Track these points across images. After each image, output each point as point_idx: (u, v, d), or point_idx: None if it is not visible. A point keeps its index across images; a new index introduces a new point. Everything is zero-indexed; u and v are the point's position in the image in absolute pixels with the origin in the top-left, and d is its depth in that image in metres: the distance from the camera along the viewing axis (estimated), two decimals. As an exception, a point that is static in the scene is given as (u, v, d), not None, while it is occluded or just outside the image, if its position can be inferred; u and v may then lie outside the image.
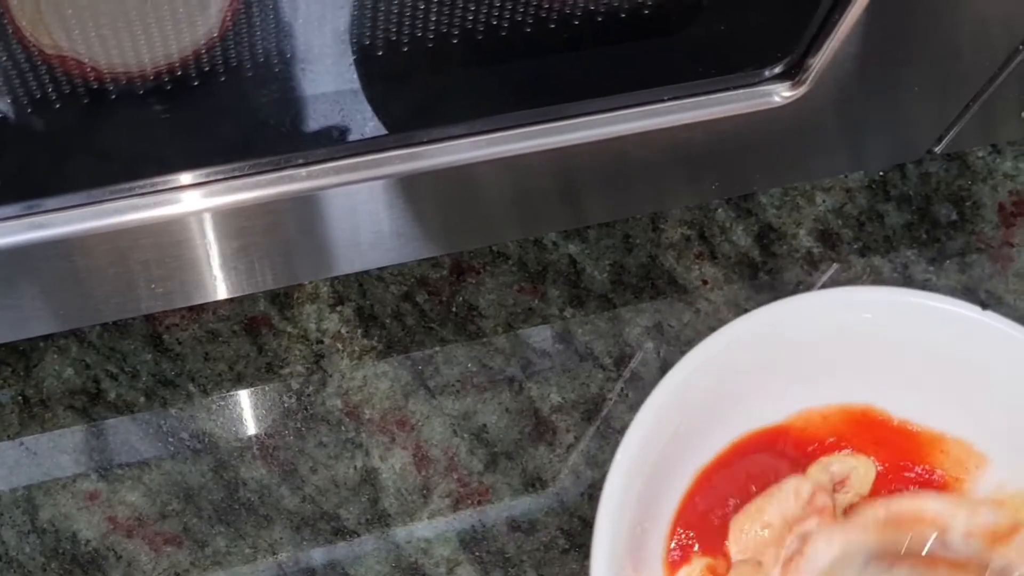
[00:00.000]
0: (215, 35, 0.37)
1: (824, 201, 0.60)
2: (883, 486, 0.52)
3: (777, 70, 0.46)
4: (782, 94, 0.46)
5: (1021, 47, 0.47)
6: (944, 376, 0.51)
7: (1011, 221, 0.61)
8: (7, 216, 0.41)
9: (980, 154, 0.61)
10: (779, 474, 0.51)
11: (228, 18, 0.37)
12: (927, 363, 0.51)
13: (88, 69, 0.37)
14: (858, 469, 0.51)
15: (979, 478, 0.51)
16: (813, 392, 0.52)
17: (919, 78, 0.48)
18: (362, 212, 0.47)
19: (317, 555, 0.51)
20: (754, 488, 0.51)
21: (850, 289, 0.55)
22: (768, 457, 0.51)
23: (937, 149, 0.55)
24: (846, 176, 0.60)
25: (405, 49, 0.40)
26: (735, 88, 0.46)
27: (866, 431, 0.52)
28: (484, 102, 0.44)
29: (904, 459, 0.52)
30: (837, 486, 0.51)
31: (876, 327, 0.51)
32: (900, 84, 0.48)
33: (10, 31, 0.35)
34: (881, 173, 0.61)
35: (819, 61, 0.45)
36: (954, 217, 0.60)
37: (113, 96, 0.38)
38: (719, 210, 0.59)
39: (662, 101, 0.45)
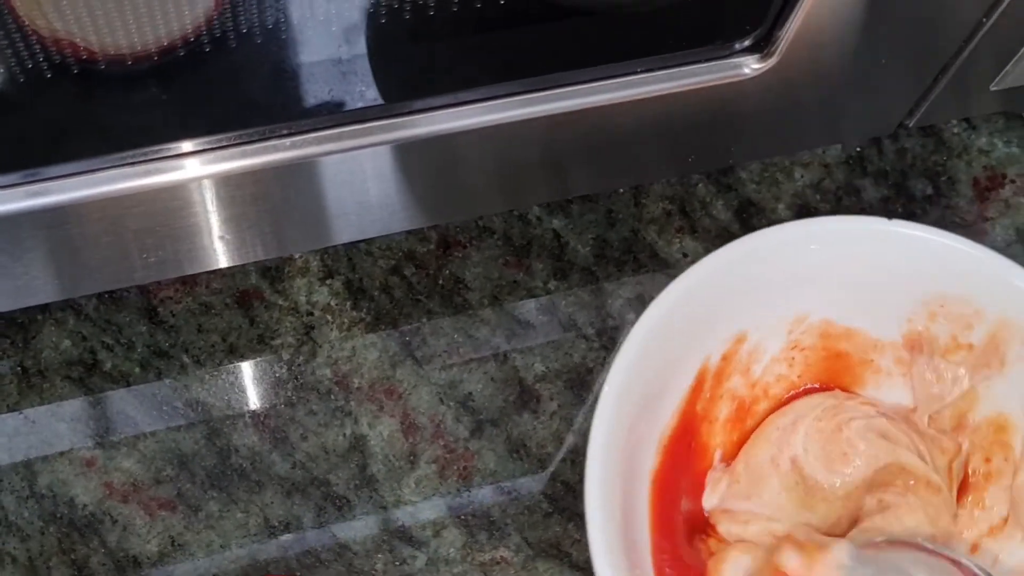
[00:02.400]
0: (212, 10, 0.38)
1: (802, 176, 0.61)
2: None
3: (746, 43, 0.47)
4: (752, 66, 0.48)
5: (985, 19, 0.49)
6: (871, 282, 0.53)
7: (985, 196, 0.62)
8: (4, 184, 0.42)
9: (955, 130, 0.63)
10: None
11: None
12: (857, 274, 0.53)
13: (83, 51, 0.38)
14: None
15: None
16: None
17: (887, 49, 0.49)
18: (349, 182, 0.48)
19: (307, 519, 0.53)
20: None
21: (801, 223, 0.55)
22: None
23: (910, 123, 0.56)
24: (824, 152, 0.62)
25: (387, 20, 0.41)
26: (706, 61, 0.47)
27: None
28: (467, 73, 0.46)
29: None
30: None
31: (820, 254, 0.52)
32: (869, 56, 0.49)
33: (6, 12, 0.36)
34: (858, 149, 0.62)
35: (787, 33, 0.46)
36: (930, 192, 0.62)
37: (109, 72, 0.39)
38: (699, 185, 0.61)
39: (636, 73, 0.47)
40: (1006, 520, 0.51)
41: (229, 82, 0.43)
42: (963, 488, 0.52)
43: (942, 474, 0.51)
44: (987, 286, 0.51)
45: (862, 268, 0.52)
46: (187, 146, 0.44)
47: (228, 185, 0.45)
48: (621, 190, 0.60)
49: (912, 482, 0.50)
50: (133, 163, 0.43)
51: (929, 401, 0.53)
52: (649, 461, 0.50)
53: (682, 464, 0.51)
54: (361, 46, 0.43)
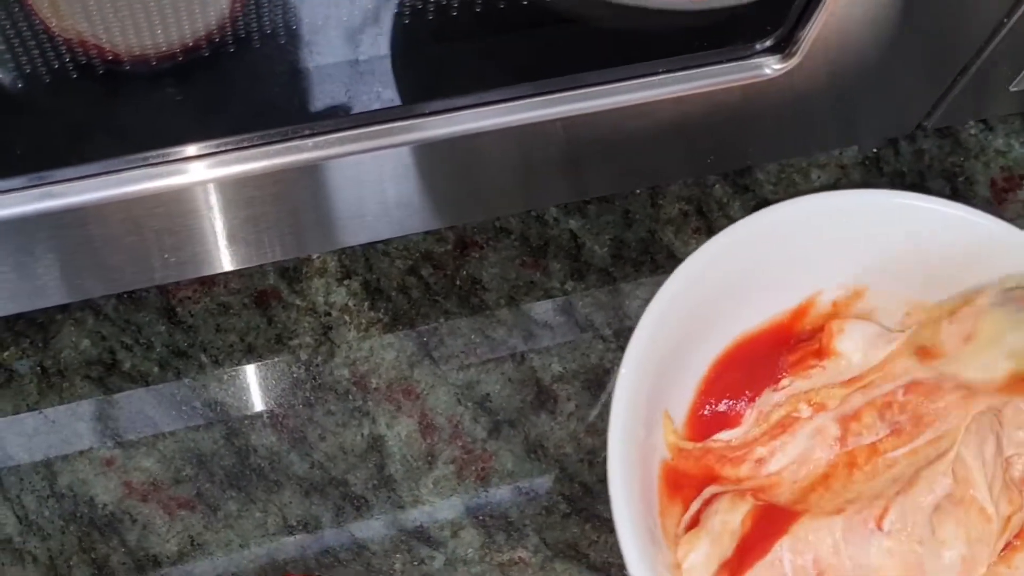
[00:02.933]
0: (227, 14, 0.39)
1: (819, 177, 0.61)
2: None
3: (767, 43, 0.47)
4: (773, 67, 0.48)
5: (1006, 20, 0.49)
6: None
7: (1003, 196, 0.62)
8: (26, 185, 0.43)
9: (972, 131, 0.63)
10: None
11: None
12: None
13: (105, 51, 0.39)
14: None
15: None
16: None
17: (908, 50, 0.49)
18: (368, 183, 0.48)
19: (325, 519, 0.53)
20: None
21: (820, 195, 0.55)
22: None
23: (928, 124, 0.56)
24: (840, 153, 0.62)
25: (408, 22, 0.41)
26: (727, 61, 0.47)
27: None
28: (486, 74, 0.46)
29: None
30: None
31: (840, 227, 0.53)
32: (889, 57, 0.49)
33: (31, 13, 0.36)
34: (875, 150, 0.62)
35: (808, 34, 0.46)
36: (947, 193, 0.62)
37: (128, 74, 0.40)
38: (716, 186, 0.61)
39: (656, 73, 0.47)
40: None
41: (250, 83, 0.43)
42: (1007, 546, 0.50)
43: (999, 513, 0.49)
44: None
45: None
46: (209, 147, 0.44)
47: (249, 186, 0.46)
48: (638, 191, 0.60)
49: (969, 493, 0.48)
50: (155, 164, 0.43)
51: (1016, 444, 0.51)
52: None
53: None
54: (381, 47, 0.43)
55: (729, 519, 0.49)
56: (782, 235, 0.52)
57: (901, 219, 0.52)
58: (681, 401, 0.52)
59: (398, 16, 0.41)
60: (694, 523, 0.50)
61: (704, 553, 0.49)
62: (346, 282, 0.57)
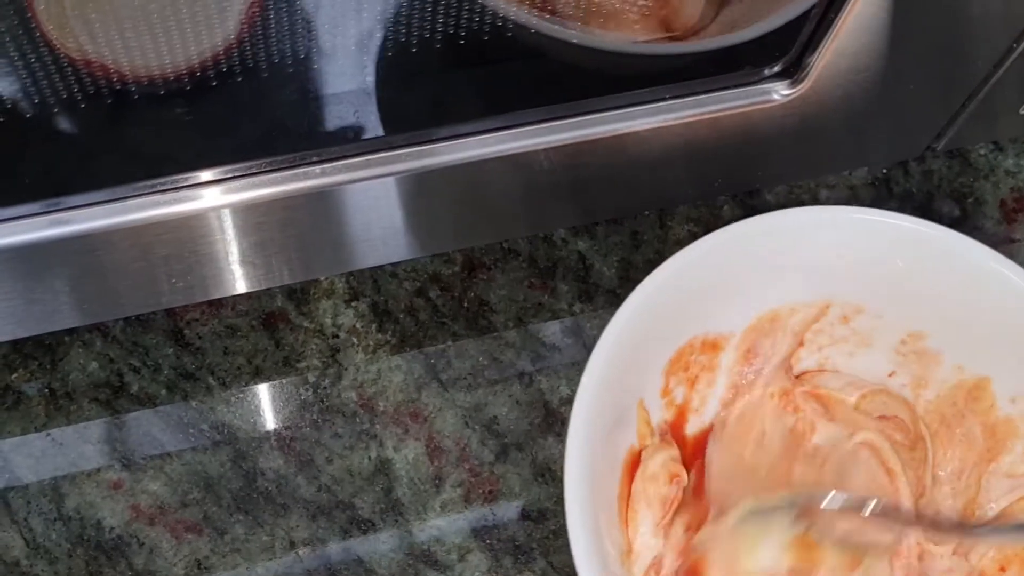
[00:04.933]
0: (233, 38, 0.39)
1: (828, 198, 0.61)
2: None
3: (776, 69, 0.47)
4: (781, 92, 0.48)
5: (1016, 45, 0.49)
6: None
7: (1013, 217, 0.62)
8: (35, 212, 0.43)
9: (982, 151, 0.63)
10: None
11: (247, 22, 0.38)
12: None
13: (113, 72, 0.39)
14: None
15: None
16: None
17: (917, 75, 0.49)
18: (375, 208, 0.48)
19: (333, 543, 0.53)
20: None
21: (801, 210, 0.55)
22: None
23: (938, 146, 0.56)
24: (850, 174, 0.62)
25: (415, 50, 0.41)
26: (735, 87, 0.47)
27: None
28: (493, 101, 0.46)
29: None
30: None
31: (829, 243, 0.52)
32: (898, 81, 0.49)
33: (37, 36, 0.36)
34: (884, 171, 0.62)
35: (817, 60, 0.46)
36: (957, 213, 0.62)
37: (136, 97, 0.40)
38: (725, 207, 0.61)
39: (664, 99, 0.47)
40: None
41: (258, 110, 0.43)
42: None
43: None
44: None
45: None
46: (218, 173, 0.44)
47: (258, 212, 0.46)
48: (647, 212, 0.60)
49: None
50: (163, 191, 0.44)
51: None
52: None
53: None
54: (387, 74, 0.43)
55: (657, 471, 0.49)
56: (746, 249, 0.52)
57: (866, 235, 0.52)
58: (653, 389, 0.52)
59: (404, 44, 0.41)
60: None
61: (648, 522, 0.49)
62: (354, 304, 0.57)
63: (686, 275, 0.50)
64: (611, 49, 0.44)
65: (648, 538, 0.49)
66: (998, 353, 0.51)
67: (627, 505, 0.50)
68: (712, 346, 0.52)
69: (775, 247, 0.51)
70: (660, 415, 0.52)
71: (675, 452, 0.51)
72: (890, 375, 0.54)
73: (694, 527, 0.50)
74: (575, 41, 0.43)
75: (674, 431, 0.52)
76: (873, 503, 0.47)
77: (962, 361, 0.52)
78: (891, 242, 0.51)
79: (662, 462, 0.50)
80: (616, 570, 0.46)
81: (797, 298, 0.53)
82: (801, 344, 0.54)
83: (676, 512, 0.50)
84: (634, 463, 0.50)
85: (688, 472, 0.51)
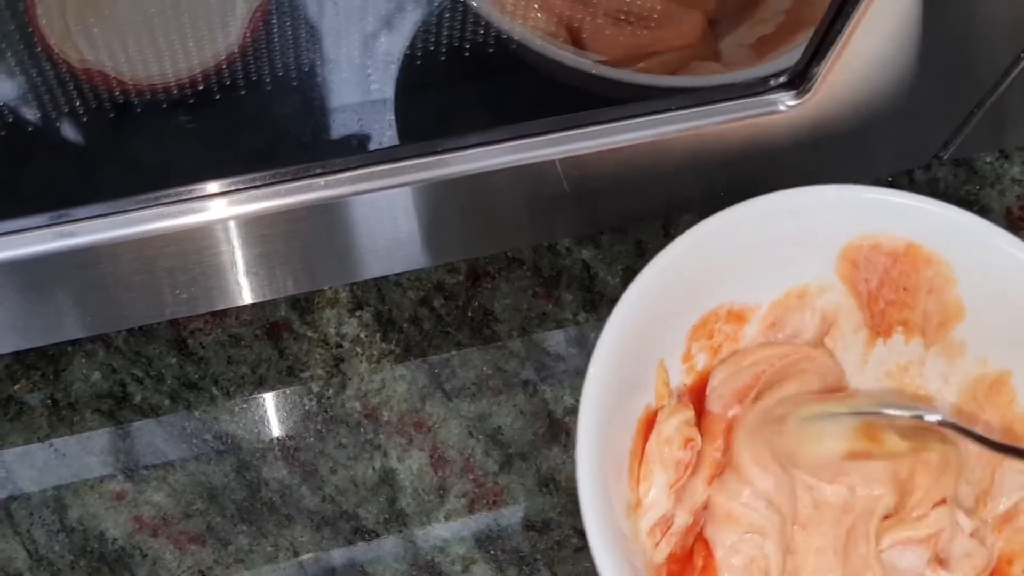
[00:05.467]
0: (236, 49, 0.39)
1: (833, 206, 0.61)
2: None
3: (782, 79, 0.47)
4: (787, 103, 0.47)
5: (1023, 55, 0.48)
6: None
7: (1018, 225, 0.61)
8: (38, 225, 0.42)
9: (988, 159, 0.62)
10: None
11: (250, 31, 0.38)
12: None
13: (114, 82, 0.38)
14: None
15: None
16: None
17: (925, 84, 0.49)
18: (380, 220, 0.48)
19: (337, 553, 0.53)
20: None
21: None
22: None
23: (944, 155, 0.56)
24: (855, 181, 0.61)
25: (420, 63, 0.41)
26: (741, 97, 0.47)
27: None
28: (499, 112, 0.45)
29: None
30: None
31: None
32: (905, 91, 0.49)
33: (39, 47, 0.36)
34: (889, 179, 0.62)
35: (823, 70, 0.46)
36: (962, 221, 0.61)
37: (139, 109, 0.40)
38: (730, 216, 0.60)
39: (670, 110, 0.47)
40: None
41: (262, 122, 0.42)
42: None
43: None
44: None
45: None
46: (223, 185, 0.44)
47: (262, 223, 0.45)
48: (651, 221, 0.60)
49: None
50: (168, 203, 0.43)
51: None
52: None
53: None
54: (393, 86, 0.42)
55: (672, 435, 0.49)
56: (763, 227, 0.51)
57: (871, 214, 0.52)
58: (675, 352, 0.52)
59: (410, 56, 0.41)
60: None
61: (661, 482, 0.49)
62: (358, 313, 0.57)
63: (715, 243, 0.50)
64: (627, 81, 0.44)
65: (660, 497, 0.49)
66: (1021, 347, 0.51)
67: (640, 463, 0.49)
68: (738, 317, 0.52)
69: (808, 224, 0.51)
70: (680, 379, 0.52)
71: (690, 415, 0.50)
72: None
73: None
74: (593, 72, 0.43)
75: (692, 395, 0.52)
76: (938, 416, 0.48)
77: (987, 355, 0.52)
78: (921, 225, 0.51)
79: (677, 425, 0.49)
80: (621, 522, 0.46)
81: (826, 275, 0.52)
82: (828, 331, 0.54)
83: (693, 473, 0.50)
84: (649, 422, 0.50)
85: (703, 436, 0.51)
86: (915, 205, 0.51)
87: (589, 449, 0.45)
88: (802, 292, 0.53)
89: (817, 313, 0.53)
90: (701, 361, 0.52)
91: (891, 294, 0.53)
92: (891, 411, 0.49)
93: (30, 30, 0.35)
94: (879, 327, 0.53)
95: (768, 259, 0.51)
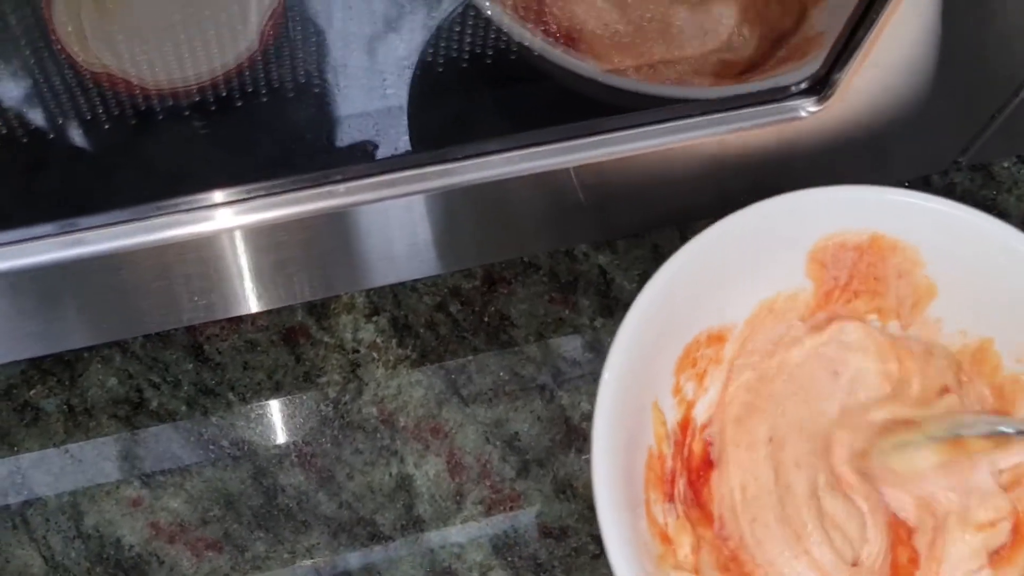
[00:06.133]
0: (255, 50, 0.38)
1: (850, 211, 0.61)
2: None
3: (803, 85, 0.47)
4: (808, 109, 0.47)
5: (1044, 61, 0.48)
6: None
7: (1036, 230, 0.61)
8: (58, 232, 0.42)
9: (1005, 164, 0.62)
10: None
11: (267, 35, 0.38)
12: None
13: (130, 85, 0.38)
14: None
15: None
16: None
17: (945, 91, 0.49)
18: (397, 226, 0.48)
19: (353, 560, 0.53)
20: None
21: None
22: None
23: (963, 160, 0.55)
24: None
25: (441, 69, 0.41)
26: (762, 104, 0.47)
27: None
28: (518, 119, 0.45)
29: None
30: None
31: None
32: (925, 98, 0.49)
33: (56, 48, 0.36)
34: (906, 184, 0.61)
35: (845, 76, 0.46)
36: (980, 226, 0.61)
37: (159, 116, 0.39)
38: (746, 221, 0.60)
39: (691, 117, 0.46)
40: None
41: (281, 130, 0.42)
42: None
43: None
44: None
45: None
46: (243, 193, 0.44)
47: (279, 231, 0.45)
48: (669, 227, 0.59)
49: None
50: (188, 210, 0.43)
51: None
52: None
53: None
54: (411, 93, 0.42)
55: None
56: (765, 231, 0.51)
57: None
58: (665, 388, 0.52)
59: (431, 64, 0.41)
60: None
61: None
62: (374, 319, 0.57)
63: (688, 273, 0.50)
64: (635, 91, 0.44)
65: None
66: (999, 314, 0.51)
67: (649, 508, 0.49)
68: (717, 338, 0.52)
69: (774, 235, 0.51)
70: (673, 415, 0.51)
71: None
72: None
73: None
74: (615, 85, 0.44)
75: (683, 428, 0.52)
76: (1017, 427, 0.48)
77: (965, 327, 0.52)
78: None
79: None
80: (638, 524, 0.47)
81: (796, 281, 0.53)
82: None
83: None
84: (652, 466, 0.50)
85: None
86: (873, 198, 0.51)
87: (605, 458, 0.45)
88: (771, 305, 0.53)
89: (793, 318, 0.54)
90: (690, 391, 0.52)
91: (861, 285, 0.53)
92: (966, 432, 0.49)
93: (51, 38, 0.35)
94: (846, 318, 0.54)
95: (740, 277, 0.52)
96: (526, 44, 0.41)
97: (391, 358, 0.56)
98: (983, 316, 0.52)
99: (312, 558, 0.53)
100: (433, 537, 0.53)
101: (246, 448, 0.54)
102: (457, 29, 0.40)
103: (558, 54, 0.42)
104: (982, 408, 0.52)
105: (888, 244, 0.52)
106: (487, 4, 0.39)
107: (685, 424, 0.52)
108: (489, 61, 0.41)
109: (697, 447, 0.52)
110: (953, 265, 0.52)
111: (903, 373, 0.52)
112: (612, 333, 0.57)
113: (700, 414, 0.53)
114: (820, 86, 0.46)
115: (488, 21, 0.40)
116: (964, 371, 0.53)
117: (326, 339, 0.56)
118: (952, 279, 0.52)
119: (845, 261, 0.53)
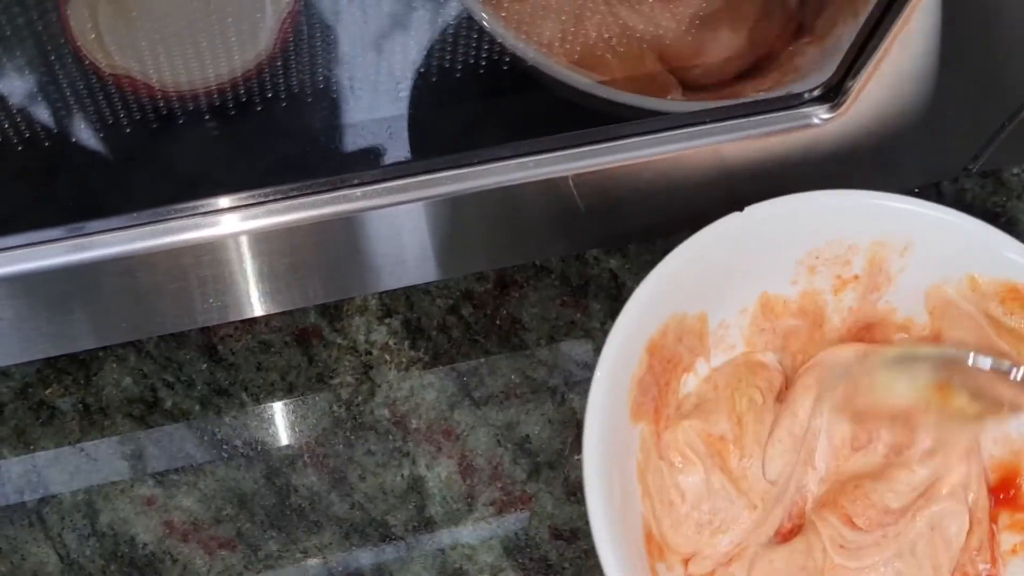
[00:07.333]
0: (273, 50, 0.39)
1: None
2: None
3: (816, 92, 0.47)
4: (821, 116, 0.48)
5: (1056, 69, 0.48)
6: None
7: (1046, 237, 0.61)
8: (75, 234, 0.43)
9: (1015, 171, 0.62)
10: None
11: (280, 38, 0.38)
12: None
13: (145, 87, 0.39)
14: None
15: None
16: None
17: (958, 98, 0.49)
18: (410, 231, 0.48)
19: (365, 560, 0.53)
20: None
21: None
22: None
23: (974, 167, 0.56)
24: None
25: (458, 75, 0.41)
26: (775, 111, 0.47)
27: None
28: (530, 125, 0.46)
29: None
30: None
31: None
32: (938, 105, 0.49)
33: (71, 50, 0.36)
34: (916, 190, 0.62)
35: (857, 84, 0.46)
36: (990, 233, 0.61)
37: (174, 120, 0.40)
38: (757, 226, 0.60)
39: (703, 123, 0.47)
40: None
41: (298, 134, 0.43)
42: None
43: None
44: (854, 220, 0.52)
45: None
46: (258, 196, 0.44)
47: (294, 234, 0.46)
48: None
49: None
50: (205, 213, 0.44)
51: None
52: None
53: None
54: (427, 98, 0.43)
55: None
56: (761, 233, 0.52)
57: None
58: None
59: (448, 70, 0.41)
60: None
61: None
62: (387, 321, 0.57)
63: (685, 271, 0.51)
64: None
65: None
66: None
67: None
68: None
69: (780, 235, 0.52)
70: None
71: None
72: None
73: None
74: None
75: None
76: (1022, 369, 0.48)
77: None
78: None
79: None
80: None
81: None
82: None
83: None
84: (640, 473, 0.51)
85: None
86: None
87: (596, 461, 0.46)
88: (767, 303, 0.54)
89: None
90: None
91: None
92: (974, 357, 0.49)
93: (61, 31, 0.35)
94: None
95: (735, 278, 0.53)
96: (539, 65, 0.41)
97: (403, 360, 0.57)
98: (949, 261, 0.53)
99: (324, 558, 0.53)
100: (444, 538, 0.54)
101: (259, 448, 0.55)
102: (474, 36, 0.40)
103: (563, 71, 0.43)
104: None
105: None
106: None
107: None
108: (508, 68, 0.41)
109: None
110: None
111: None
112: (623, 337, 0.57)
113: None
114: (833, 93, 0.47)
115: (488, 34, 0.40)
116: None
117: (339, 341, 0.57)
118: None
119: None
